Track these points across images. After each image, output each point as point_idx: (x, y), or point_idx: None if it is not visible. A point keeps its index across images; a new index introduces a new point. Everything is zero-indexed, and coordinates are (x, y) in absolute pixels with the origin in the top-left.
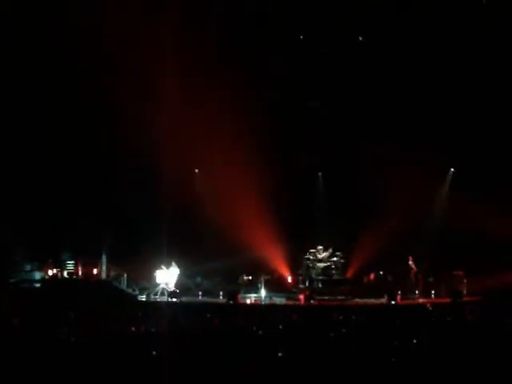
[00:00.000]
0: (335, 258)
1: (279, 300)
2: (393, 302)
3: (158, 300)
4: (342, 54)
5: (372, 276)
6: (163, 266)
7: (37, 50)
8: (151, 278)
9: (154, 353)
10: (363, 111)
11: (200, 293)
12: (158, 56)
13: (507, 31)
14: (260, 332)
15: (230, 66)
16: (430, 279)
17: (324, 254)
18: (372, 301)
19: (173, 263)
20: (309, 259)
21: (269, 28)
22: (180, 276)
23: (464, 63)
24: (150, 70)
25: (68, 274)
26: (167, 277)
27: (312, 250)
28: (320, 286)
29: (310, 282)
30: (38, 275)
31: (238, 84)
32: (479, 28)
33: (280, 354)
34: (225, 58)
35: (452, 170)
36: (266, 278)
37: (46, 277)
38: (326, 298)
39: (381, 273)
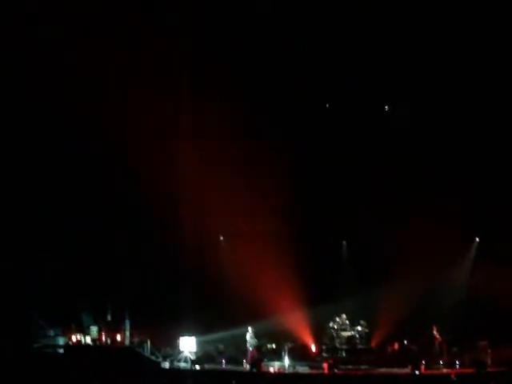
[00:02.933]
0: (359, 327)
1: (303, 369)
2: (417, 372)
3: (182, 367)
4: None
5: (396, 345)
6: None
7: None
8: (175, 344)
9: None
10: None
11: (223, 360)
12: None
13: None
14: None
15: (253, 130)
16: (455, 349)
17: (348, 323)
18: (396, 370)
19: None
20: (333, 328)
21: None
22: (203, 343)
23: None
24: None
25: (92, 339)
26: (190, 344)
27: (337, 319)
28: (344, 355)
29: (333, 351)
30: (61, 340)
31: (264, 150)
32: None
33: None
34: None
35: (477, 239)
36: (289, 346)
37: (70, 342)
38: (350, 367)
39: (405, 342)
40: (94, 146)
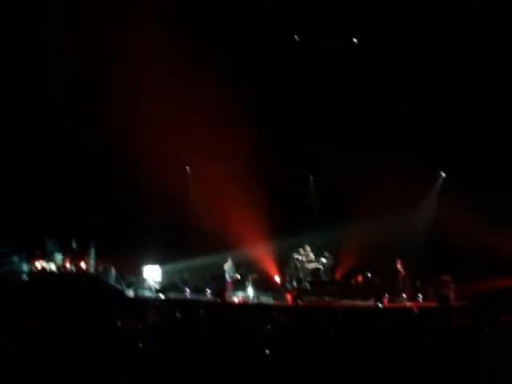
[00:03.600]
0: (324, 259)
1: (266, 299)
2: (380, 305)
3: (146, 296)
4: (330, 60)
5: (360, 278)
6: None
7: None
8: (139, 273)
9: (140, 346)
10: (351, 113)
11: (187, 290)
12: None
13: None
14: (246, 331)
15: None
16: (418, 283)
17: (312, 255)
18: (359, 303)
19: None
20: (297, 259)
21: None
22: (167, 272)
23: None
24: (140, 67)
25: (56, 266)
26: (155, 272)
27: (301, 251)
28: (308, 286)
29: (297, 283)
30: (25, 267)
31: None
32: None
33: (267, 352)
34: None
35: (443, 174)
36: (254, 276)
37: (34, 269)
38: (314, 298)
39: (369, 275)
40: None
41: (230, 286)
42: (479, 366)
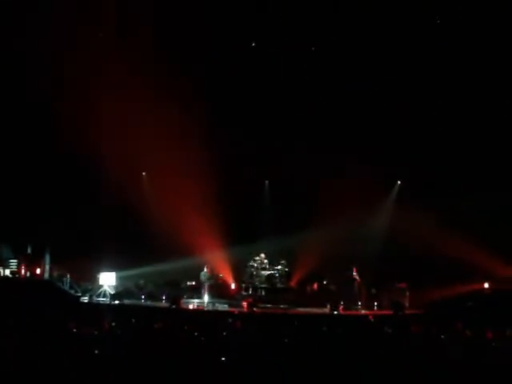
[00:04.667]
0: (279, 267)
1: (222, 306)
2: (335, 312)
3: (101, 302)
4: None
5: (315, 285)
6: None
7: None
8: (94, 279)
9: (96, 352)
10: (309, 118)
11: (143, 296)
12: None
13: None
14: (202, 338)
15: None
16: (373, 290)
17: (268, 262)
18: (315, 310)
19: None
20: (252, 266)
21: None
22: (123, 278)
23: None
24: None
25: (10, 272)
26: (110, 279)
27: (256, 258)
28: (263, 293)
29: (253, 290)
30: None
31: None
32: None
33: (223, 359)
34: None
35: (399, 182)
36: (209, 283)
37: None
38: (269, 306)
39: (324, 282)
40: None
41: (205, 291)
42: (434, 372)
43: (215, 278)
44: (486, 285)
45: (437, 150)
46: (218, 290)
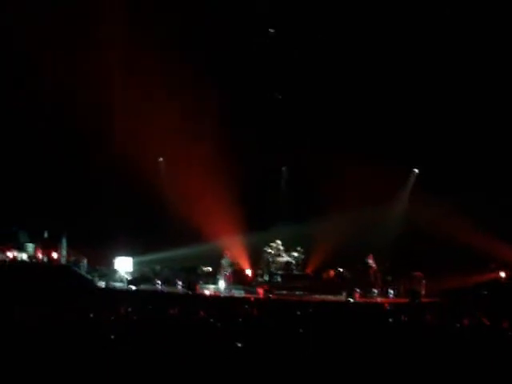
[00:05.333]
0: (295, 253)
1: (238, 293)
2: (351, 300)
3: (117, 287)
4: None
5: (331, 272)
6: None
7: None
8: (111, 264)
9: (111, 337)
10: (326, 107)
11: (159, 282)
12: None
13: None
14: (218, 324)
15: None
16: (389, 278)
17: (284, 248)
18: (330, 297)
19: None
20: (269, 253)
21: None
22: (139, 264)
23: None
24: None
25: (28, 256)
26: (127, 264)
27: (273, 244)
28: (279, 280)
29: (269, 276)
30: None
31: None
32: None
33: (239, 345)
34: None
35: (416, 170)
36: (230, 270)
37: (6, 259)
38: (285, 292)
39: (340, 270)
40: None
41: (229, 280)
42: (450, 362)
43: (235, 265)
44: (503, 274)
45: (454, 137)
46: (235, 276)
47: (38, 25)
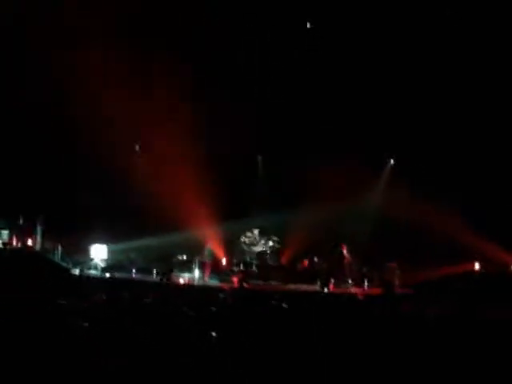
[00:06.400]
0: (270, 243)
1: (213, 282)
2: (325, 290)
3: (92, 275)
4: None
5: (306, 263)
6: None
7: None
8: (86, 252)
9: (85, 325)
10: (302, 98)
11: (134, 270)
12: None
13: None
14: (192, 312)
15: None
16: (364, 269)
17: (259, 238)
18: (305, 287)
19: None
20: (244, 243)
21: None
22: (114, 252)
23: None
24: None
25: (2, 243)
26: (102, 252)
27: (248, 234)
28: (254, 270)
29: (244, 266)
30: None
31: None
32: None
33: (213, 334)
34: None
35: (391, 161)
36: (200, 258)
37: None
38: (260, 282)
39: (315, 260)
40: None
41: (208, 269)
42: (422, 352)
43: (213, 254)
44: (477, 265)
45: (429, 128)
46: (211, 265)
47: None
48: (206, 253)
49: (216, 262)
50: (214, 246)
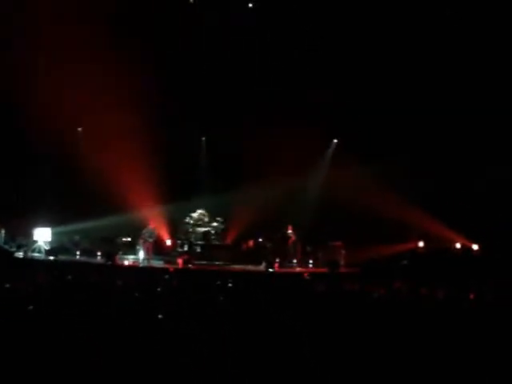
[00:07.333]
0: (215, 224)
1: (157, 263)
2: (270, 270)
3: (35, 257)
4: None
5: (251, 243)
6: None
7: None
8: (29, 235)
9: (29, 308)
10: (249, 77)
11: (78, 252)
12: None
13: None
14: (136, 294)
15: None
16: (309, 248)
17: (204, 219)
18: (250, 267)
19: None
20: (189, 223)
21: None
22: (58, 234)
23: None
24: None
25: None
26: (46, 234)
27: (193, 214)
28: (199, 250)
29: (189, 247)
30: None
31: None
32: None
33: (160, 316)
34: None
35: (335, 140)
36: (143, 239)
37: None
38: (205, 262)
39: (260, 240)
40: None
41: (149, 250)
42: (370, 331)
43: (156, 235)
44: (421, 243)
45: (374, 107)
46: (155, 246)
47: None
48: (147, 234)
49: (160, 242)
50: (159, 227)
